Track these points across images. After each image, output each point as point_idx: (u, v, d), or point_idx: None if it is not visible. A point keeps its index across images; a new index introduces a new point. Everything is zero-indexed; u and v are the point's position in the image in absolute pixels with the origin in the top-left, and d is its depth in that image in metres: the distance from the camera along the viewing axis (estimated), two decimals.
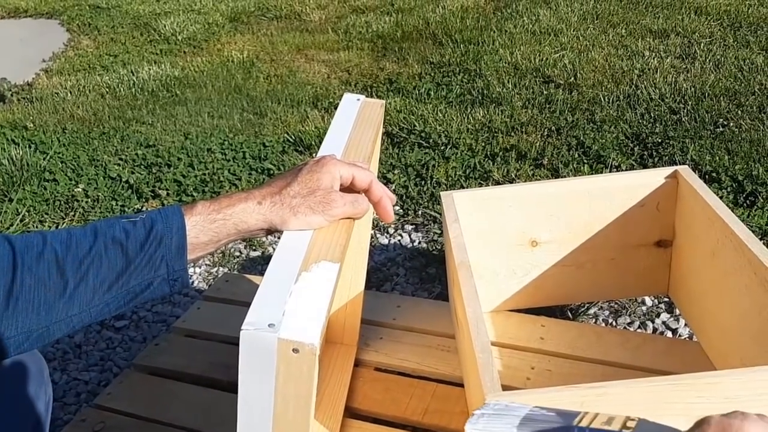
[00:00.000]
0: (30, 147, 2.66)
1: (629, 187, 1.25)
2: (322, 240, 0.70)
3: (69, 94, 3.33)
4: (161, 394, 1.32)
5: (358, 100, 0.95)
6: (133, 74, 3.49)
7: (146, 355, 1.43)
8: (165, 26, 4.34)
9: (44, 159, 2.55)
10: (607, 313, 1.52)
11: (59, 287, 0.67)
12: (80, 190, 2.31)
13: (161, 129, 2.79)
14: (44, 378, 0.80)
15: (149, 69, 3.55)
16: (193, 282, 1.85)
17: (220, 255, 1.92)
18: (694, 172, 2.00)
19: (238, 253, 1.91)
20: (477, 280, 1.30)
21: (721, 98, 2.46)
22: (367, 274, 1.73)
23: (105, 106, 3.12)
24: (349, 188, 0.78)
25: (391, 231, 1.94)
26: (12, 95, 3.30)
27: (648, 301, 1.53)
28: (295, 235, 0.71)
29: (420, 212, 1.99)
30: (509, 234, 1.29)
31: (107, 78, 3.51)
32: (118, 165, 2.49)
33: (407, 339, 1.34)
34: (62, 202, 2.28)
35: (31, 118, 3.04)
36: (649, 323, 1.47)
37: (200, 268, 1.90)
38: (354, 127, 0.90)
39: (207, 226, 0.71)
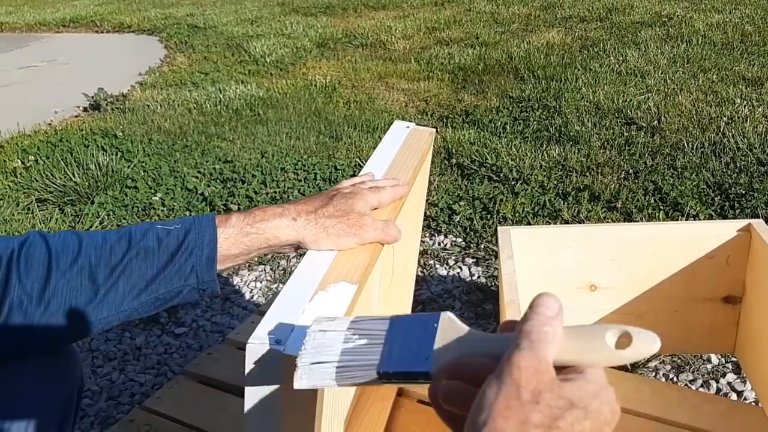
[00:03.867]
0: (116, 154, 2.80)
1: (698, 238, 1.20)
2: (345, 261, 0.70)
3: (159, 107, 3.49)
4: (208, 402, 1.35)
5: (408, 127, 0.95)
6: (221, 92, 3.63)
7: (198, 364, 1.46)
8: (255, 48, 4.50)
9: (128, 167, 2.67)
10: (668, 367, 1.45)
11: (90, 293, 0.70)
12: (158, 198, 2.41)
13: (240, 146, 2.88)
14: (73, 372, 0.83)
15: (236, 88, 3.68)
16: (252, 296, 1.88)
17: (282, 272, 1.95)
18: None
19: None
20: None
21: None
22: (421, 305, 1.73)
23: (191, 121, 3.25)
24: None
25: (451, 263, 1.92)
26: (107, 105, 3.49)
27: (714, 359, 1.45)
28: (319, 254, 0.71)
29: (482, 246, 1.96)
30: (567, 276, 1.25)
31: (196, 94, 3.66)
32: (196, 177, 2.58)
33: None
34: (140, 209, 2.37)
35: (122, 127, 3.21)
36: (713, 382, 1.39)
37: (261, 283, 1.93)
38: (399, 153, 0.90)
39: (239, 240, 0.73)
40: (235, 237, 0.73)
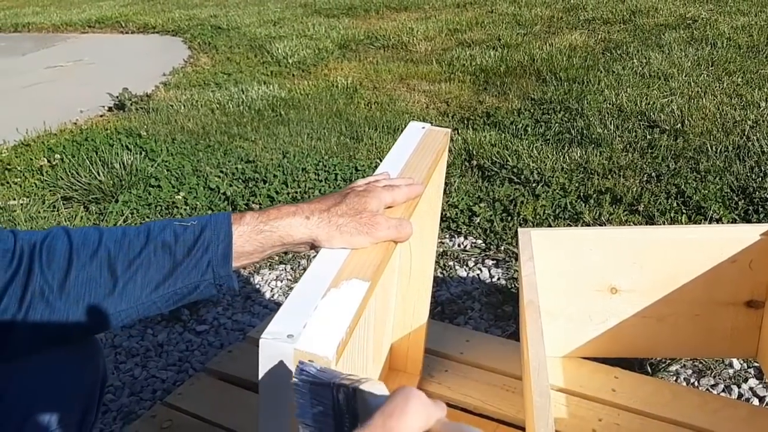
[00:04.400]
0: (141, 153, 2.83)
1: (720, 241, 1.19)
2: (357, 259, 0.71)
3: (182, 107, 3.53)
4: (228, 400, 1.36)
5: (423, 128, 0.96)
6: (243, 93, 3.66)
7: (219, 361, 1.47)
8: (278, 49, 4.53)
9: (152, 166, 2.70)
10: (690, 372, 1.43)
11: (109, 286, 0.72)
12: (181, 197, 2.43)
13: (262, 146, 2.90)
14: (96, 362, 0.84)
15: (258, 89, 3.71)
16: (273, 295, 1.90)
17: (302, 271, 1.97)
18: None
19: None
20: (551, 323, 1.27)
21: None
22: (440, 306, 1.73)
23: (213, 121, 3.28)
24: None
25: (471, 264, 1.92)
26: (131, 104, 3.53)
27: (736, 363, 1.44)
28: (333, 252, 0.72)
29: (502, 248, 1.96)
30: (588, 278, 1.25)
31: (219, 95, 3.69)
32: (219, 177, 2.60)
33: (473, 375, 1.31)
34: (163, 208, 2.40)
35: (146, 127, 3.25)
36: (735, 388, 1.38)
37: (282, 282, 1.95)
38: (414, 153, 0.90)
39: (253, 237, 0.74)
40: (249, 234, 0.74)
